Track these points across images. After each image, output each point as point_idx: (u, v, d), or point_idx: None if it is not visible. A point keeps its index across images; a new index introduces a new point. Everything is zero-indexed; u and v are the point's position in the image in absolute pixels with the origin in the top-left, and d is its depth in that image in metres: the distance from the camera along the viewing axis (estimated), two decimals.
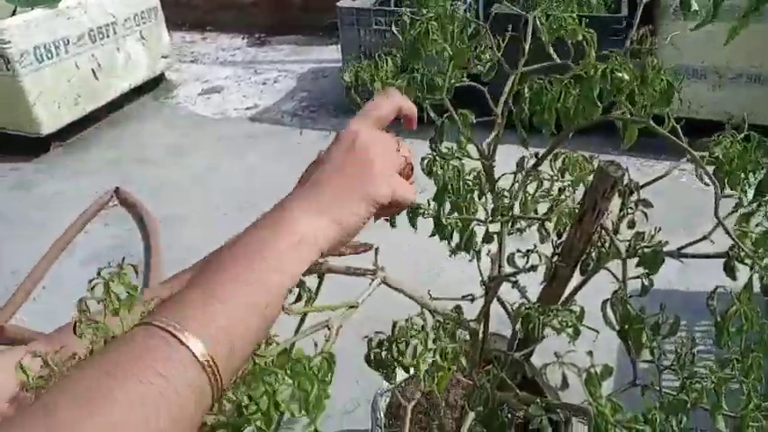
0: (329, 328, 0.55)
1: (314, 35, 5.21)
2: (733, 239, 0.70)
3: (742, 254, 0.76)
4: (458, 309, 1.03)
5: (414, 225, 0.92)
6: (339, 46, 3.70)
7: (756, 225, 0.70)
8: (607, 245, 0.87)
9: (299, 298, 0.66)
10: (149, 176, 3.26)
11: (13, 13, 3.35)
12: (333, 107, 3.93)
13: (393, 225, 0.82)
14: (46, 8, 3.29)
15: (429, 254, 2.15)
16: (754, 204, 0.68)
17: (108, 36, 3.69)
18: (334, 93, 4.12)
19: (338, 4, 3.49)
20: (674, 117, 0.78)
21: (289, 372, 0.47)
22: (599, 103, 0.70)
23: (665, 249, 0.85)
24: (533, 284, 0.98)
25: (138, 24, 3.90)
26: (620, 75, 0.67)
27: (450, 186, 0.79)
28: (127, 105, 4.02)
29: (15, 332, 2.22)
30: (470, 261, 0.96)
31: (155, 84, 4.26)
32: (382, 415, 1.31)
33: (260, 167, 3.31)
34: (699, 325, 1.95)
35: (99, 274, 0.58)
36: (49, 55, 3.32)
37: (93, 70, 3.61)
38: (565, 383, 0.69)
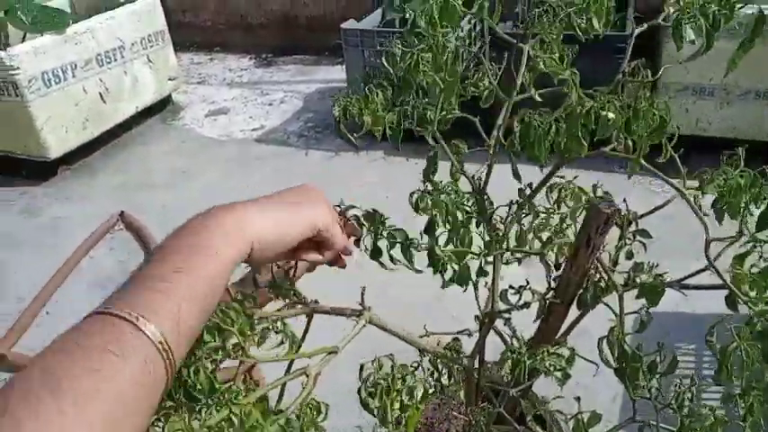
0: (307, 376, 0.54)
1: (320, 55, 5.24)
2: (723, 281, 0.67)
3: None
4: (456, 341, 1.01)
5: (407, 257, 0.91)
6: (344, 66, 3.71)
7: (752, 266, 0.68)
8: (604, 279, 0.85)
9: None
10: (156, 199, 3.27)
11: (23, 40, 3.39)
12: None
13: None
14: (54, 34, 3.33)
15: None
16: (749, 245, 0.66)
17: (115, 60, 3.72)
18: None
19: (342, 25, 3.50)
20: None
21: None
22: (584, 141, 0.68)
23: (667, 279, 0.83)
24: (531, 317, 0.96)
25: (145, 48, 3.94)
26: (604, 113, 0.66)
27: (439, 220, 0.78)
28: (134, 128, 4.04)
29: (18, 360, 2.21)
30: (463, 291, 0.94)
31: (162, 106, 4.29)
32: None
33: (266, 189, 3.30)
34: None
35: None
36: (57, 80, 3.35)
37: (100, 94, 3.64)
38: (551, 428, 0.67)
